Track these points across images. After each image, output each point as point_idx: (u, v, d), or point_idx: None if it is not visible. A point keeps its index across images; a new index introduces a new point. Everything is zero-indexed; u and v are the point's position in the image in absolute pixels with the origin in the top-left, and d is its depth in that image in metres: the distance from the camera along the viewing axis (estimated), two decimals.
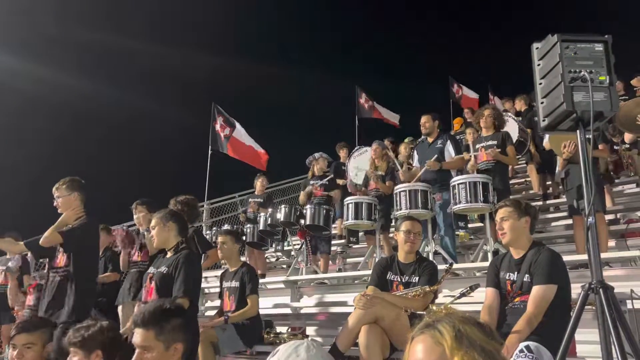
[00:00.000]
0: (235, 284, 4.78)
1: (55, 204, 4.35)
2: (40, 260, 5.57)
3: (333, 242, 8.59)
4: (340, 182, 8.94)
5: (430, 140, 6.33)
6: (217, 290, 6.90)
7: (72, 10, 19.03)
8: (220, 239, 4.97)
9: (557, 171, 5.81)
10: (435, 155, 6.05)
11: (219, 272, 7.81)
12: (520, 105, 9.40)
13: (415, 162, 6.49)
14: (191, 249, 4.06)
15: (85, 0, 19.74)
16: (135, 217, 5.29)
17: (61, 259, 4.25)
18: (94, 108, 18.31)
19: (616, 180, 7.97)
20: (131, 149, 18.70)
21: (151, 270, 4.00)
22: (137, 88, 19.32)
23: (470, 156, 5.91)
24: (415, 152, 6.64)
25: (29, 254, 6.60)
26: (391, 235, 6.48)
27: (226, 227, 8.07)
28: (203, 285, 6.27)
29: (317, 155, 7.95)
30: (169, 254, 3.92)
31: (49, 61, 17.54)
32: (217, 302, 5.86)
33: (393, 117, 13.43)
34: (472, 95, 14.70)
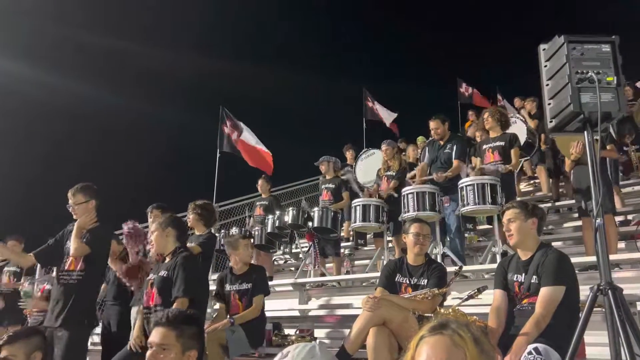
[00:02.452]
0: (247, 285, 4.79)
1: (71, 210, 4.38)
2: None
3: (341, 244, 8.61)
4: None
5: (441, 142, 6.28)
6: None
7: (72, 13, 19.17)
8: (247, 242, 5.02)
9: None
10: (435, 174, 6.00)
11: None
12: (530, 107, 9.35)
13: (426, 159, 6.46)
14: (190, 251, 4.12)
15: (85, 2, 19.87)
16: (150, 220, 5.32)
17: (73, 262, 4.28)
18: (95, 111, 18.44)
19: (626, 182, 7.92)
20: (136, 152, 18.80)
21: (151, 276, 4.06)
22: (139, 90, 19.43)
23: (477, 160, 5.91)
24: (426, 150, 6.59)
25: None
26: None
27: (234, 230, 8.10)
28: (211, 287, 6.27)
29: (322, 159, 7.94)
30: (167, 259, 3.98)
31: (50, 64, 17.67)
32: None
33: (390, 116, 13.28)
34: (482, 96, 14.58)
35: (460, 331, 1.17)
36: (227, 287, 4.89)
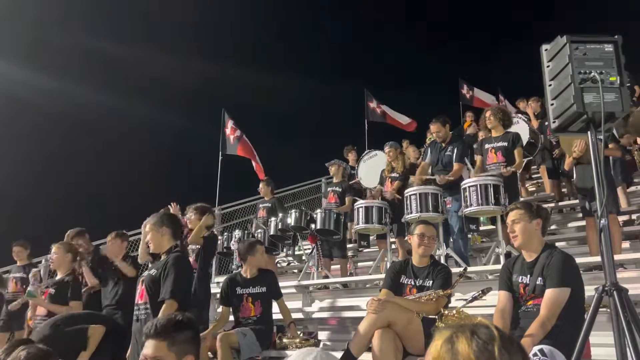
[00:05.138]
0: (261, 289, 4.86)
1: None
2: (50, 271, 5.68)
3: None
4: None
5: (443, 144, 6.25)
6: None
7: (75, 18, 19.24)
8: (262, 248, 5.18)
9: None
10: (437, 176, 6.00)
11: None
12: (535, 106, 9.33)
13: (428, 159, 6.45)
14: (184, 252, 4.13)
15: (89, 9, 19.94)
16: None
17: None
18: (98, 115, 18.50)
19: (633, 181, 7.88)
20: (139, 156, 18.82)
21: (145, 273, 4.06)
22: (141, 95, 19.48)
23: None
24: (428, 150, 6.58)
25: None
26: (405, 238, 6.46)
27: (237, 232, 8.09)
28: (215, 290, 6.28)
29: (334, 161, 7.97)
30: (162, 257, 3.96)
31: (52, 69, 17.74)
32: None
33: (405, 121, 13.33)
34: (485, 97, 14.54)
35: (437, 335, 1.17)
36: (239, 290, 4.92)
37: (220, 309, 5.23)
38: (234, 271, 8.52)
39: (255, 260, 4.98)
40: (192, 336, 2.15)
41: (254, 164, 10.24)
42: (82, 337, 4.30)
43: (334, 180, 7.90)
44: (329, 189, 7.95)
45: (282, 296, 5.04)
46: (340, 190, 7.64)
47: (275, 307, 5.02)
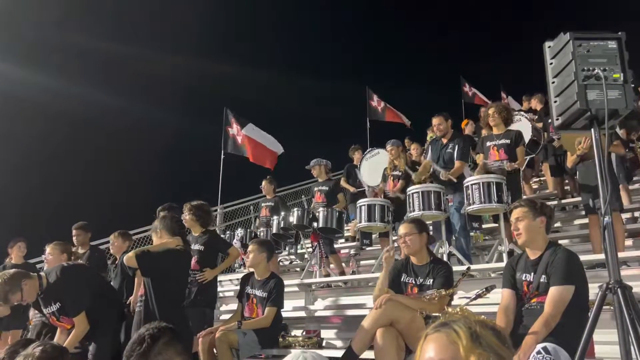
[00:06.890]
0: (263, 293, 4.82)
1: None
2: None
3: (346, 244, 8.60)
4: (351, 188, 8.94)
5: (444, 141, 6.26)
6: (232, 294, 6.93)
7: (75, 17, 19.26)
8: (249, 247, 5.05)
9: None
10: (442, 171, 6.00)
11: (233, 276, 7.87)
12: (535, 103, 9.32)
13: (429, 157, 6.43)
14: (187, 249, 4.30)
15: (88, 7, 19.94)
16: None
17: None
18: (98, 115, 18.52)
19: (633, 179, 7.87)
20: (140, 155, 18.84)
21: None
22: (143, 94, 19.52)
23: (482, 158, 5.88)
24: (430, 148, 6.57)
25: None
26: None
27: (240, 231, 8.10)
28: (219, 289, 6.32)
29: (313, 162, 7.94)
30: None
31: (52, 68, 17.76)
32: (231, 307, 5.87)
33: (404, 118, 13.35)
34: (485, 99, 14.54)
35: (457, 327, 1.17)
36: (248, 289, 4.93)
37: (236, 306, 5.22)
38: (235, 270, 8.57)
39: (251, 260, 4.94)
40: (167, 342, 2.07)
41: (268, 161, 10.19)
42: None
43: (319, 179, 7.88)
44: (315, 188, 7.91)
45: (277, 307, 4.76)
46: (327, 189, 7.62)
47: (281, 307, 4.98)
